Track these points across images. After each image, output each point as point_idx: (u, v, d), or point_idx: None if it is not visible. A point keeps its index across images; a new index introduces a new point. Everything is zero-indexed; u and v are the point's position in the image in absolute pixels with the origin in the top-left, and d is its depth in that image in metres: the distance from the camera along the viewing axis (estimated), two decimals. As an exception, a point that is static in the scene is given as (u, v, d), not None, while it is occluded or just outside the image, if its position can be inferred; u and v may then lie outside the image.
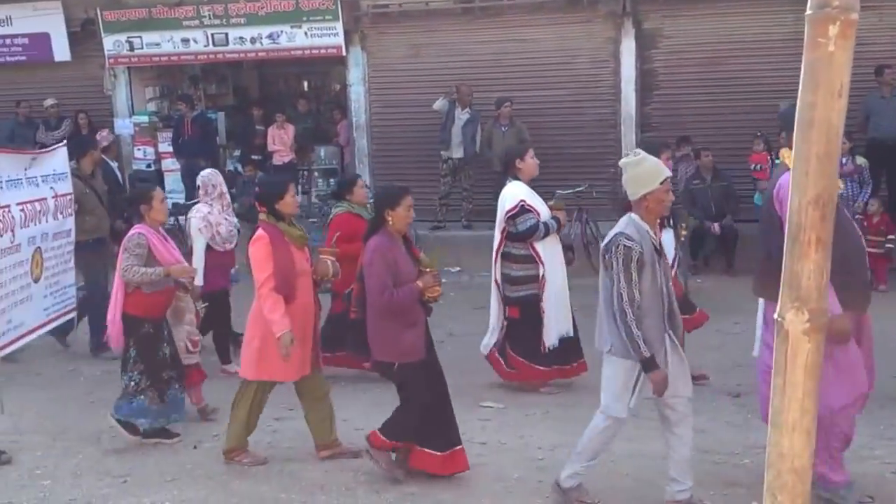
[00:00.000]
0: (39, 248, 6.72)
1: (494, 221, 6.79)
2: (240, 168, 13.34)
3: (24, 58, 13.23)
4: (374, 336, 5.02)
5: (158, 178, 13.15)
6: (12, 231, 6.23)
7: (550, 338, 6.57)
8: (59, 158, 7.23)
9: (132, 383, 5.75)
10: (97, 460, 5.61)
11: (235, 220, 7.40)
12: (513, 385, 6.80)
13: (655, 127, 11.72)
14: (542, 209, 6.62)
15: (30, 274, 6.55)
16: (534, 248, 6.54)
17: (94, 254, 7.85)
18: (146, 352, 5.76)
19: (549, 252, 6.60)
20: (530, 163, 6.65)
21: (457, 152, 11.46)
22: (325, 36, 12.22)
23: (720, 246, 10.69)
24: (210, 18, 12.39)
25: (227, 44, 12.53)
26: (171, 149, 12.96)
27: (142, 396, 5.74)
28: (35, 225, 6.64)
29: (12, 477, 5.42)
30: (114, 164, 10.68)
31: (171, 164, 13.11)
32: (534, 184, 6.77)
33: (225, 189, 7.31)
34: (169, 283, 5.84)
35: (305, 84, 16.15)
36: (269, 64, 14.32)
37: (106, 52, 12.78)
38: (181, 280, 5.95)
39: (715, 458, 5.32)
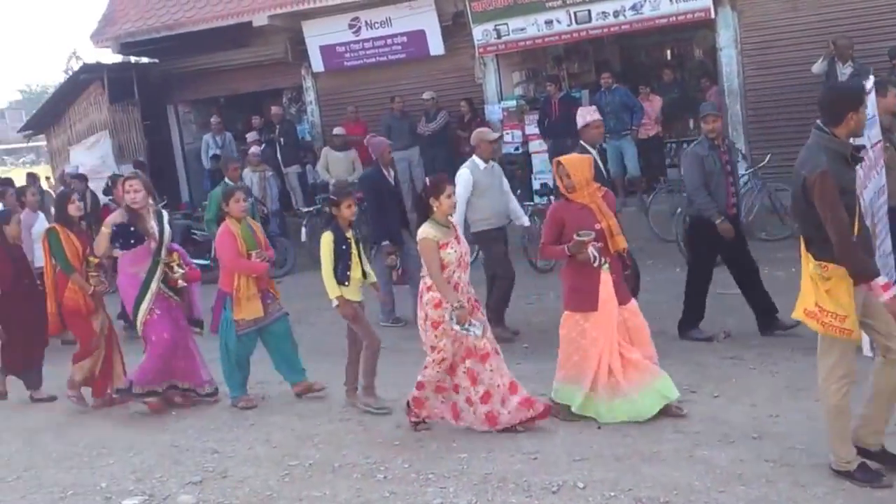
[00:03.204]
0: (871, 211, 5.72)
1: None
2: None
3: (403, 55, 14.16)
4: None
5: (526, 160, 13.52)
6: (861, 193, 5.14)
7: None
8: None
9: None
10: (509, 437, 5.74)
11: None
12: None
13: None
14: None
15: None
16: None
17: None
18: None
19: None
20: None
21: (846, 113, 10.34)
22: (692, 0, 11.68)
23: None
24: (572, -3, 12.38)
25: (589, 20, 12.45)
26: (537, 131, 13.18)
27: None
28: (868, 184, 5.67)
29: (432, 448, 5.74)
30: None
31: (537, 146, 13.33)
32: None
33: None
34: None
35: (668, 53, 15.64)
36: (630, 36, 14.02)
37: (476, 42, 13.27)
38: None
39: None
